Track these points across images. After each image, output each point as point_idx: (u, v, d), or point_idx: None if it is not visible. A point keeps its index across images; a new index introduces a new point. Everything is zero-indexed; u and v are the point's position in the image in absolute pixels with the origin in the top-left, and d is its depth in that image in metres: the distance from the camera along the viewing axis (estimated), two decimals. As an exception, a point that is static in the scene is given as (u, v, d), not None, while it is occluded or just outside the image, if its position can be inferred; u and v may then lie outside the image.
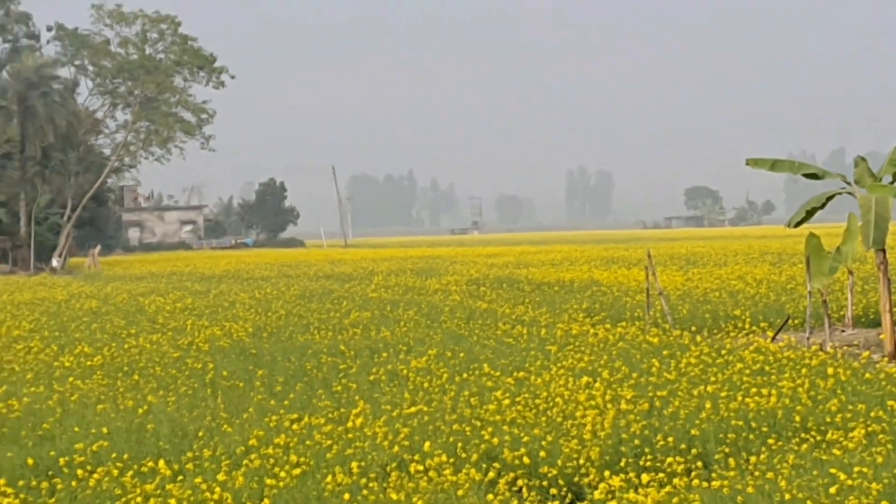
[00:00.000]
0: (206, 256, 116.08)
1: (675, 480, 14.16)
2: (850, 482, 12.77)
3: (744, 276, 47.28)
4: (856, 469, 13.46)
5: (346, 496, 13.34)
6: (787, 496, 12.51)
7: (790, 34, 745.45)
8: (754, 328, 29.96)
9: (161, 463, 15.09)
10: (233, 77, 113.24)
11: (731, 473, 13.97)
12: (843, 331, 31.52)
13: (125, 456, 15.80)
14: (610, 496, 13.58)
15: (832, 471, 13.38)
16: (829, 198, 28.30)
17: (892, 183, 27.02)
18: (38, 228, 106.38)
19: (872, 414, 16.52)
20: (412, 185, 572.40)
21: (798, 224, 28.75)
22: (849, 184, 28.08)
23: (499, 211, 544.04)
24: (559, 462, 15.24)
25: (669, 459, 15.05)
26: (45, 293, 52.34)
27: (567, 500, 14.64)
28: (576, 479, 14.91)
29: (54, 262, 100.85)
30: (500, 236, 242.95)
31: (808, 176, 28.50)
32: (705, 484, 13.54)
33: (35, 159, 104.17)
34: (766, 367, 20.95)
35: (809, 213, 28.45)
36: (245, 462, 15.24)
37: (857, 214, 26.70)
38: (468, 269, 62.80)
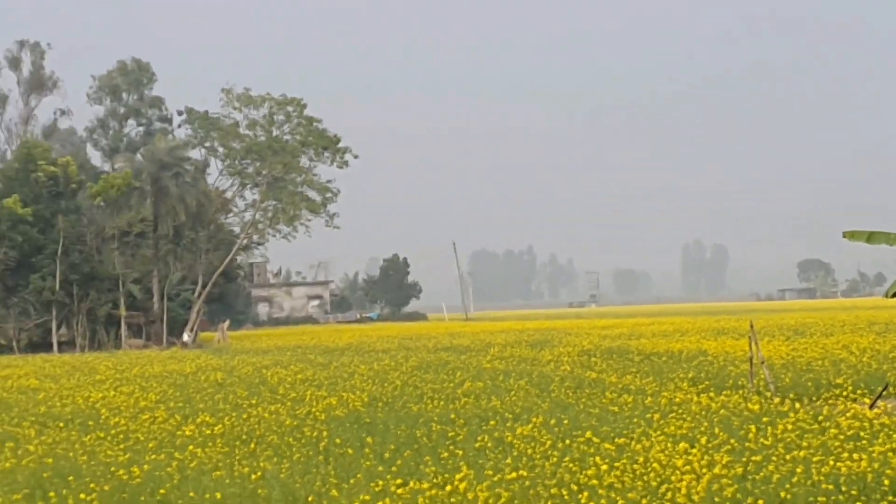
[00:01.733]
0: (330, 330, 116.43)
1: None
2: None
3: (848, 345, 46.82)
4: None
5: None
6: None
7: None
8: (854, 395, 29.75)
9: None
10: (356, 157, 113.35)
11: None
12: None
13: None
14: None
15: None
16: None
17: None
18: (171, 304, 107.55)
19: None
20: (532, 260, 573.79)
21: (895, 294, 28.56)
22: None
23: (616, 284, 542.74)
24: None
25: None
26: (175, 366, 52.84)
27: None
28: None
29: (185, 337, 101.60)
30: (616, 309, 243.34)
31: (904, 247, 28.26)
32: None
33: (167, 238, 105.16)
34: (861, 433, 20.79)
35: (904, 282, 28.25)
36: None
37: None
38: (581, 340, 62.58)
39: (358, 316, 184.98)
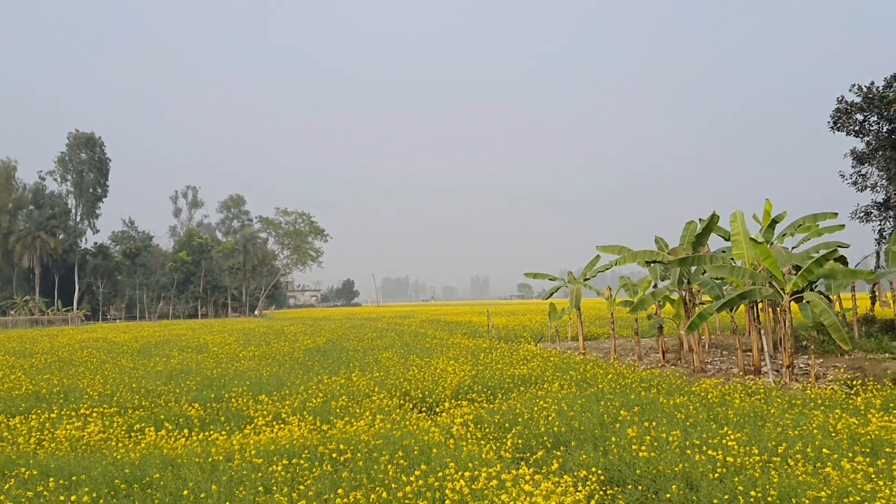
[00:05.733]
0: (319, 311, 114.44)
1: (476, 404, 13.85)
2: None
3: (531, 320, 46.75)
4: (549, 399, 13.24)
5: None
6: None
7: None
8: (530, 341, 29.71)
9: (263, 397, 14.77)
10: (331, 238, 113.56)
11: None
12: (566, 343, 31.27)
13: (248, 391, 15.40)
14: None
15: (548, 398, 13.19)
16: (558, 288, 27.73)
17: (584, 281, 26.83)
18: (250, 298, 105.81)
19: (564, 377, 16.31)
20: (406, 280, 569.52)
21: (547, 297, 28.33)
22: (566, 282, 27.78)
23: (444, 293, 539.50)
24: (433, 396, 14.89)
25: (480, 398, 14.83)
26: (247, 325, 51.56)
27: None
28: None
29: (256, 312, 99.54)
30: (444, 303, 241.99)
31: (550, 279, 27.90)
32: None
33: (250, 270, 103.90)
34: (528, 357, 20.67)
35: (551, 293, 27.92)
36: (300, 394, 14.89)
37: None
38: (422, 316, 61.99)
39: (332, 305, 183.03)
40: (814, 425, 10.86)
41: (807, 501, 7.96)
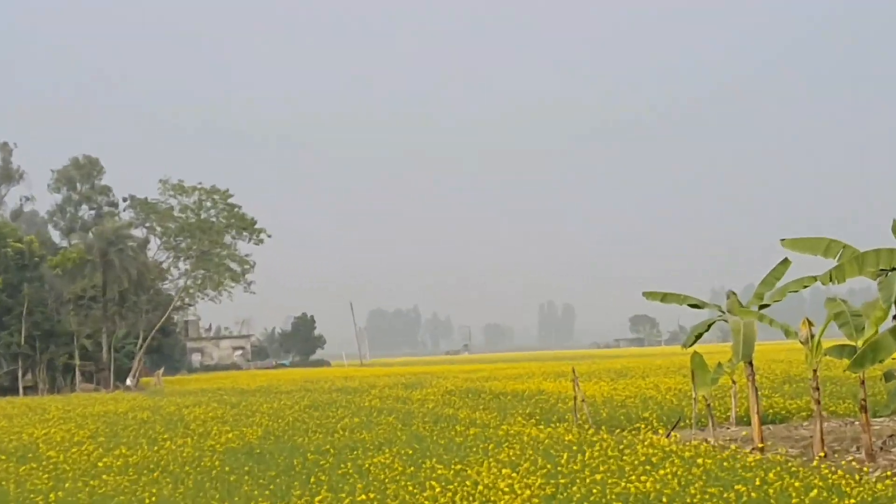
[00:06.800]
0: (249, 375, 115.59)
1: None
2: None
3: (658, 385, 47.05)
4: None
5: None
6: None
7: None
8: (656, 427, 29.76)
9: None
10: (269, 236, 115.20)
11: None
12: (727, 428, 31.23)
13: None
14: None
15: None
16: (710, 324, 28.24)
17: (758, 310, 26.95)
18: (117, 355, 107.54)
19: (725, 495, 16.33)
20: (417, 317, 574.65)
21: (691, 345, 28.65)
22: (723, 312, 27.97)
23: (486, 336, 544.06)
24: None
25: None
26: (113, 406, 51.77)
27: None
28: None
29: (128, 382, 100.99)
30: (484, 356, 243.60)
31: (692, 306, 28.35)
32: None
33: (114, 301, 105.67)
34: (653, 458, 20.67)
35: (698, 336, 28.35)
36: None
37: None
38: (447, 382, 62.26)
39: (273, 363, 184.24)
40: None
41: None
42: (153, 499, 19.21)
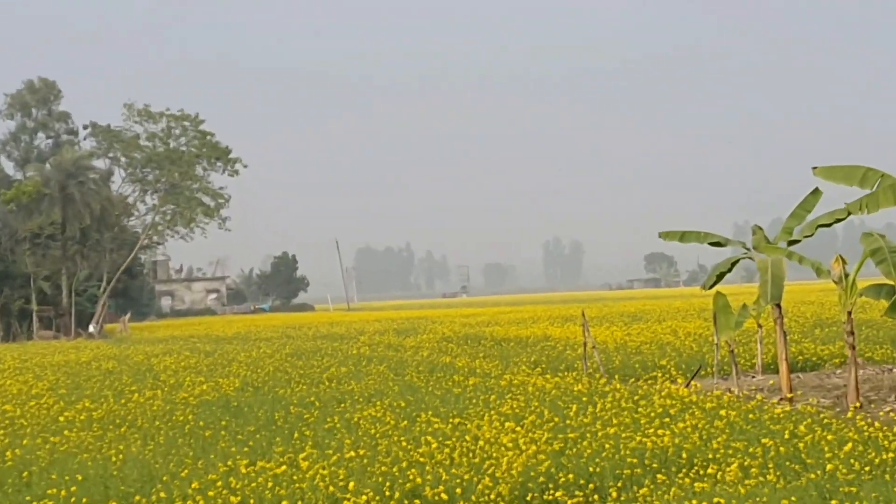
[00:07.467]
0: (224, 321, 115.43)
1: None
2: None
3: (676, 330, 47.13)
4: (719, 500, 13.34)
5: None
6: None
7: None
8: (674, 376, 29.84)
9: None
10: (245, 166, 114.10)
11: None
12: (753, 377, 31.32)
13: (84, 500, 15.60)
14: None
15: (717, 500, 13.30)
16: (734, 262, 28.19)
17: (787, 246, 26.90)
18: (78, 299, 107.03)
19: (750, 450, 16.36)
20: (410, 256, 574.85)
21: (712, 286, 28.62)
22: (748, 249, 27.94)
23: (485, 276, 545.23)
24: (473, 497, 15.04)
25: (572, 502, 14.93)
26: (74, 356, 51.63)
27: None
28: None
29: (91, 329, 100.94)
30: (484, 298, 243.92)
31: (713, 244, 28.30)
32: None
33: (75, 239, 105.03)
34: (671, 410, 20.70)
35: (720, 276, 28.31)
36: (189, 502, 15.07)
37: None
38: (444, 327, 62.36)
39: (252, 308, 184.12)
40: None
41: None
42: (120, 456, 19.20)
